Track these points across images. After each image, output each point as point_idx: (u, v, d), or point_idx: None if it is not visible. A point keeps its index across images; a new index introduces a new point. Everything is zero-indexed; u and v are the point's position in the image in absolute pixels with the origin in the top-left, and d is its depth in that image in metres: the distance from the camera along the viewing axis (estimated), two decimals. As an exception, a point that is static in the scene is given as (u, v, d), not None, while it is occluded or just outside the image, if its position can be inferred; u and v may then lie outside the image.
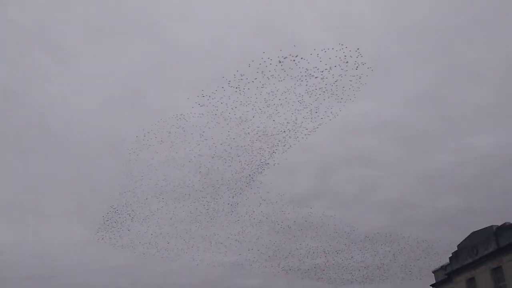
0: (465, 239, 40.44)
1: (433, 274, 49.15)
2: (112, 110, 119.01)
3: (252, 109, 38.78)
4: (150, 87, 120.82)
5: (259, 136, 39.27)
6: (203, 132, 39.72)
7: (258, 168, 40.89)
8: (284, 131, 38.80)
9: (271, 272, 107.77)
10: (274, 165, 40.26)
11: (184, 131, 39.78)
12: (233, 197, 42.04)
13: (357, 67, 32.85)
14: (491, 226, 36.72)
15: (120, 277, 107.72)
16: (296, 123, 38.65)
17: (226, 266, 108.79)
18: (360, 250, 44.61)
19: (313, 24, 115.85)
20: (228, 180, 40.79)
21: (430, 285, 49.69)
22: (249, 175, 40.98)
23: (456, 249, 41.71)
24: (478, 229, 38.74)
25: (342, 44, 33.37)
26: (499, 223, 36.09)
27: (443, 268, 45.81)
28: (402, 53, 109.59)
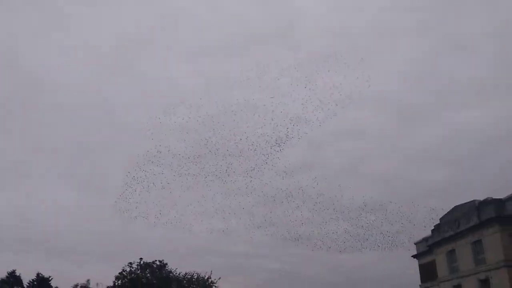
0: (448, 212, 41.38)
1: (415, 246, 50.48)
2: (106, 75, 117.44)
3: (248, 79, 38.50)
4: (144, 53, 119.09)
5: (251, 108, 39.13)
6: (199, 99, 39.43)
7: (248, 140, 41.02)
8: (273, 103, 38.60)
9: (258, 240, 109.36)
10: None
11: (179, 98, 39.53)
12: (226, 168, 42.29)
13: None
14: (474, 200, 37.56)
15: (110, 241, 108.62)
16: (289, 94, 38.51)
17: (214, 233, 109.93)
18: (346, 220, 45.40)
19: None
20: (218, 149, 40.89)
21: (412, 256, 51.09)
22: (240, 146, 41.13)
23: (439, 222, 42.71)
24: (461, 203, 39.64)
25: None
26: (483, 198, 36.91)
27: (425, 240, 47.02)
28: (395, 25, 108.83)
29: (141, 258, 54.55)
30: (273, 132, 41.22)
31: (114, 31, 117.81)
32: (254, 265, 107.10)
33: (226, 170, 42.17)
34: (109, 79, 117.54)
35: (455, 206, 40.40)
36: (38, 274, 62.83)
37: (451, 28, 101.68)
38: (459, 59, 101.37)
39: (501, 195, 35.97)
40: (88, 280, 66.20)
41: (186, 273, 55.50)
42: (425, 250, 46.75)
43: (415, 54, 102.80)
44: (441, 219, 42.38)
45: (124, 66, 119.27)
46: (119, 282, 53.49)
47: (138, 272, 53.79)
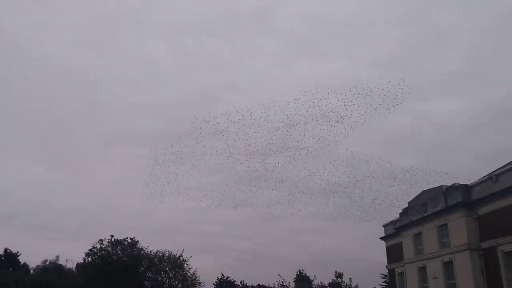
0: (416, 197, 42.48)
1: (383, 228, 51.79)
2: (83, 49, 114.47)
3: (227, 60, 38.14)
4: (123, 28, 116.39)
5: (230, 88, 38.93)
6: (177, 78, 38.89)
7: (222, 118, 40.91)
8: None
9: (230, 219, 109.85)
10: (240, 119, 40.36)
11: (156, 76, 38.92)
12: (200, 148, 42.11)
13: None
14: (441, 186, 38.63)
15: (83, 217, 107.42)
16: (266, 76, 38.41)
17: (187, 212, 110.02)
18: (316, 202, 46.12)
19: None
20: (194, 128, 40.67)
21: (379, 238, 52.45)
22: (215, 125, 40.98)
23: (407, 205, 43.83)
24: (429, 188, 40.72)
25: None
26: (450, 183, 37.99)
27: (392, 223, 48.27)
28: (375, 15, 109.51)
29: (112, 236, 54.38)
30: (250, 114, 41.26)
31: (93, 5, 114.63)
32: (225, 245, 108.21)
33: (199, 151, 42.04)
34: (86, 53, 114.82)
35: (423, 191, 41.49)
36: (5, 250, 61.92)
37: (429, 21, 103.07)
38: (434, 51, 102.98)
39: (467, 181, 37.15)
40: (57, 257, 65.72)
41: (157, 251, 55.70)
42: (393, 233, 48.04)
43: (393, 45, 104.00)
44: (409, 203, 43.49)
45: (101, 41, 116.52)
46: (89, 259, 53.27)
47: (109, 249, 53.62)
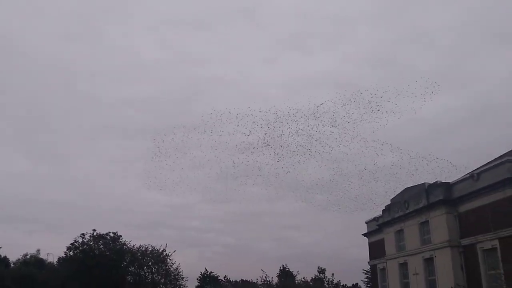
0: (398, 194, 42.91)
1: (366, 225, 52.27)
2: (67, 41, 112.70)
3: (213, 55, 37.91)
4: (108, 21, 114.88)
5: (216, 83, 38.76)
6: (163, 72, 38.58)
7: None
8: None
9: (214, 214, 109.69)
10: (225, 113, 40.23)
11: (138, 69, 38.53)
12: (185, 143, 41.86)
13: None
14: (424, 183, 39.05)
15: (65, 210, 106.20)
16: (252, 72, 38.35)
17: (171, 207, 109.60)
18: (299, 198, 46.32)
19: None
20: (179, 121, 40.38)
21: (362, 234, 52.94)
22: (200, 119, 40.76)
23: (390, 202, 44.25)
24: (412, 185, 41.15)
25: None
26: (432, 181, 38.43)
27: (375, 219, 48.72)
28: (359, 12, 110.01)
29: (94, 230, 53.88)
30: (236, 108, 41.15)
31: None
32: (208, 239, 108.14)
33: (184, 146, 41.84)
34: (70, 45, 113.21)
35: (405, 188, 41.91)
36: (-15, 243, 60.92)
37: (414, 20, 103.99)
38: (417, 49, 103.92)
39: (449, 179, 37.63)
40: (38, 250, 64.91)
41: (140, 246, 55.34)
42: (375, 229, 48.52)
43: (378, 42, 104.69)
44: (392, 200, 43.92)
45: (86, 33, 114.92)
46: (71, 253, 52.73)
47: (91, 243, 53.13)
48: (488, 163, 35.43)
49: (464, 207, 34.81)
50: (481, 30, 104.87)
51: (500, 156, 35.60)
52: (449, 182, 36.88)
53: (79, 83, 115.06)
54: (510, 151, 36.85)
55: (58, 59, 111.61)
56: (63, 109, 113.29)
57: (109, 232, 54.39)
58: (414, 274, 39.10)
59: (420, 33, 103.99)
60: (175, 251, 55.53)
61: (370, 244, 51.57)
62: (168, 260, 54.49)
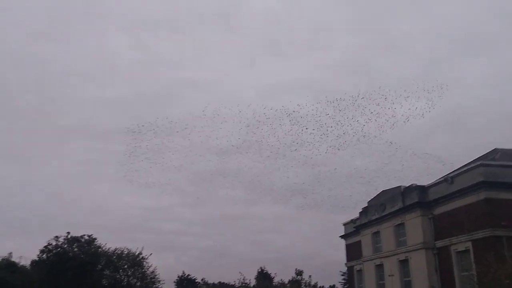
0: (375, 196, 43.44)
1: (343, 227, 52.75)
2: (38, 40, 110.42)
3: (188, 58, 37.77)
4: (81, 20, 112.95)
5: (191, 86, 38.51)
6: (138, 75, 38.15)
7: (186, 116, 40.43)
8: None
9: (191, 217, 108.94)
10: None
11: (112, 70, 38.03)
12: (160, 146, 41.46)
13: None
14: (399, 186, 39.63)
15: (38, 213, 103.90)
16: (228, 76, 38.33)
17: (147, 209, 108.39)
18: (277, 201, 46.49)
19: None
20: (154, 127, 40.04)
21: (339, 236, 53.40)
22: (175, 122, 40.47)
23: (367, 205, 44.75)
24: (388, 188, 41.71)
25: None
26: (407, 184, 39.03)
27: (352, 221, 49.21)
28: (337, 19, 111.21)
29: (68, 232, 52.86)
30: (211, 113, 41.04)
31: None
32: (186, 243, 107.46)
33: (160, 149, 41.46)
34: (41, 44, 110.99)
35: (382, 191, 42.46)
36: (-46, 246, 59.16)
37: (388, 27, 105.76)
38: (391, 56, 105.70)
39: (424, 182, 38.27)
40: (10, 253, 63.19)
41: (116, 249, 54.54)
42: (352, 231, 48.99)
43: (353, 48, 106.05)
44: (369, 202, 44.43)
45: (58, 32, 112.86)
46: (44, 256, 51.61)
47: (65, 246, 52.11)
48: (462, 167, 36.19)
49: (438, 210, 35.45)
50: (451, 38, 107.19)
51: (474, 160, 36.41)
52: (424, 185, 37.52)
53: (49, 82, 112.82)
54: (482, 155, 37.71)
55: (28, 57, 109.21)
56: (34, 109, 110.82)
57: (84, 235, 53.44)
58: (389, 276, 39.61)
59: (393, 41, 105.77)
60: (151, 254, 54.93)
61: (347, 246, 52.04)
62: (144, 263, 53.87)
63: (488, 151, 38.00)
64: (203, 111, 40.99)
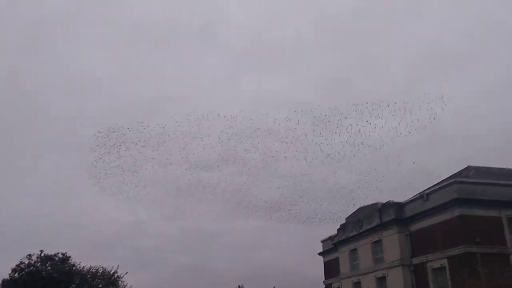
0: (353, 213, 43.61)
1: (321, 244, 52.70)
2: (17, 54, 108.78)
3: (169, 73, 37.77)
4: (62, 36, 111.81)
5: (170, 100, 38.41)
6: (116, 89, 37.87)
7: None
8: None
9: (170, 233, 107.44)
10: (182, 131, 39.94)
11: (91, 84, 37.68)
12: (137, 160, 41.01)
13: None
14: (377, 203, 39.92)
15: (11, 229, 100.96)
16: (209, 90, 38.38)
17: (124, 225, 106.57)
18: (256, 217, 46.25)
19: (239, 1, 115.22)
20: (132, 141, 39.65)
21: (318, 253, 53.30)
22: (157, 135, 40.16)
23: (344, 221, 44.85)
24: (366, 204, 41.95)
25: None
26: (384, 201, 39.35)
27: (330, 238, 49.20)
28: (315, 37, 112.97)
29: (41, 250, 51.47)
30: (191, 126, 40.87)
31: (28, 9, 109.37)
32: (164, 259, 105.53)
33: (137, 161, 40.99)
34: (19, 59, 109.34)
35: (360, 207, 42.69)
36: None
37: (367, 48, 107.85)
38: (369, 76, 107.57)
39: (401, 199, 38.63)
40: (-21, 272, 61.15)
41: (90, 267, 53.27)
42: (330, 248, 48.96)
43: (334, 67, 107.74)
44: (346, 218, 44.56)
45: (36, 47, 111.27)
46: (16, 275, 50.11)
47: (38, 265, 50.73)
48: (437, 184, 36.70)
49: (415, 227, 35.78)
50: (427, 58, 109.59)
51: (447, 178, 36.98)
52: (400, 202, 37.87)
53: (27, 96, 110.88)
54: (457, 172, 38.37)
55: (5, 73, 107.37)
56: (9, 123, 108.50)
57: (58, 253, 52.06)
58: (367, 293, 39.61)
59: (372, 58, 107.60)
60: (127, 272, 53.76)
61: (325, 263, 51.92)
62: (119, 282, 52.71)
63: (461, 169, 38.66)
64: (184, 124, 40.61)
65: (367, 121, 40.71)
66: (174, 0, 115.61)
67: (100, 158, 40.42)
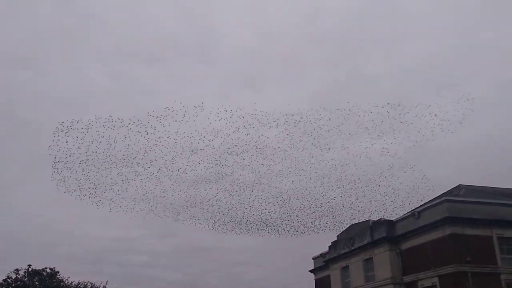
0: (344, 230, 43.54)
1: (313, 261, 52.44)
2: (10, 67, 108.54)
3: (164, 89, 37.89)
4: (56, 50, 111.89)
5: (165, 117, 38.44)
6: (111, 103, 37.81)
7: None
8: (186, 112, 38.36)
9: (159, 250, 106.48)
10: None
11: (86, 98, 37.62)
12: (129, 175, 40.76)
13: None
14: (368, 220, 39.91)
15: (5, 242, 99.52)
16: (203, 106, 38.50)
17: (113, 241, 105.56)
18: (247, 234, 46.02)
19: (232, 20, 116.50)
20: (124, 156, 39.47)
21: (309, 270, 52.99)
22: (148, 151, 40.01)
23: (336, 239, 44.75)
24: (357, 222, 41.94)
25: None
26: (376, 218, 39.37)
27: (322, 255, 49.00)
28: (312, 55, 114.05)
29: (29, 265, 50.93)
30: (184, 143, 40.81)
31: (25, 22, 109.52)
32: (153, 276, 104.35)
33: (128, 176, 40.74)
34: (15, 71, 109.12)
35: (351, 225, 42.63)
36: None
37: (359, 65, 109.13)
38: (361, 93, 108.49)
39: (392, 217, 38.72)
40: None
41: (79, 282, 52.72)
42: (322, 265, 48.71)
43: (327, 84, 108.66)
44: (338, 236, 44.45)
45: (32, 59, 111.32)
46: (3, 290, 49.40)
47: (26, 280, 50.07)
48: (428, 202, 36.82)
49: (406, 245, 35.74)
50: (420, 76, 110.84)
51: (438, 196, 37.13)
52: (392, 220, 37.91)
53: (20, 109, 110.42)
54: (447, 191, 38.54)
55: (2, 82, 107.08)
56: (4, 136, 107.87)
57: (46, 268, 51.60)
58: (358, 312, 39.34)
59: (364, 77, 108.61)
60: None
61: (316, 281, 51.59)
62: (108, 298, 52.14)
63: (452, 187, 38.86)
64: (174, 139, 40.56)
65: (361, 138, 40.94)
66: (170, 18, 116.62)
67: (89, 172, 40.11)
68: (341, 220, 44.31)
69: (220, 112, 39.49)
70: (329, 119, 40.03)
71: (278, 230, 45.01)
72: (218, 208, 44.75)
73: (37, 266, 51.41)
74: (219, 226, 45.89)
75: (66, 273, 54.60)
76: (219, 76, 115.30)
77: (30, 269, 50.62)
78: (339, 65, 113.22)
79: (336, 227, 45.30)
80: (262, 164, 43.08)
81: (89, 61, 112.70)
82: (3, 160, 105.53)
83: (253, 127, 40.73)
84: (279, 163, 43.64)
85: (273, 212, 45.37)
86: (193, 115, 38.47)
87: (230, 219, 45.25)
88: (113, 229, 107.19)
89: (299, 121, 40.78)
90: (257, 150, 41.63)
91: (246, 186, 43.93)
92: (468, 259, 30.41)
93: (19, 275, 50.07)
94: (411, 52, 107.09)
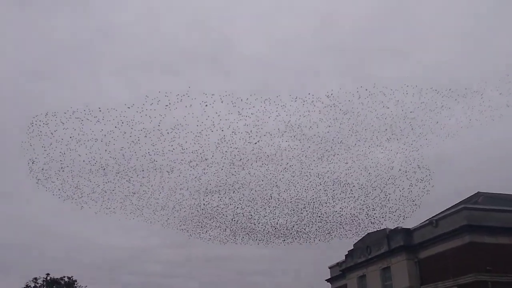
0: (361, 239, 43.19)
1: (329, 270, 52.07)
2: (30, 80, 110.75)
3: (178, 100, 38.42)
4: (74, 62, 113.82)
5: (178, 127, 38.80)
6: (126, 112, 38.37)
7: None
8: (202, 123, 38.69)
9: (175, 259, 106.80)
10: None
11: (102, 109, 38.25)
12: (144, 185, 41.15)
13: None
14: (385, 229, 39.55)
15: (18, 253, 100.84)
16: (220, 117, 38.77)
17: (130, 250, 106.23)
18: (262, 243, 45.85)
19: (243, 30, 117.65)
20: (142, 165, 39.88)
21: (325, 280, 52.61)
22: (164, 163, 40.39)
23: (352, 247, 44.42)
24: (373, 231, 41.58)
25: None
26: (393, 227, 39.00)
27: (338, 264, 48.64)
28: (319, 64, 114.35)
29: (47, 274, 51.45)
30: (198, 153, 41.10)
31: (42, 36, 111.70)
32: (170, 285, 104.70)
33: (141, 186, 41.14)
34: (33, 84, 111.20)
35: (367, 233, 42.27)
36: None
37: (369, 74, 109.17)
38: (371, 102, 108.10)
39: (409, 225, 38.30)
40: (-15, 296, 61.12)
41: (96, 291, 53.04)
42: (338, 274, 48.33)
43: (336, 93, 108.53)
44: (354, 244, 44.12)
45: (51, 72, 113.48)
46: (21, 299, 50.00)
47: (44, 288, 50.61)
48: (446, 210, 36.39)
49: (424, 253, 35.30)
50: (433, 85, 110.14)
51: (456, 204, 36.67)
52: (409, 228, 37.50)
53: (41, 121, 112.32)
54: (465, 199, 38.05)
55: (20, 95, 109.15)
56: (22, 147, 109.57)
57: (64, 277, 52.06)
58: (376, 321, 38.90)
59: (376, 86, 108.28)
60: (133, 297, 53.50)
61: (333, 290, 51.21)
62: (125, 307, 52.35)
63: (471, 195, 38.36)
64: (188, 149, 40.87)
65: (375, 146, 40.73)
66: (184, 31, 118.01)
67: (107, 182, 40.62)
68: (355, 229, 43.92)
69: (234, 121, 39.56)
70: (340, 125, 39.84)
71: (296, 239, 44.81)
72: (233, 217, 44.78)
73: (56, 275, 51.91)
74: (234, 235, 45.88)
75: (84, 282, 54.84)
76: (232, 86, 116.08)
77: (48, 278, 51.14)
78: (351, 73, 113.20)
79: (352, 236, 44.94)
80: (275, 174, 43.08)
81: (106, 73, 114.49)
82: (16, 170, 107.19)
83: (266, 135, 40.75)
84: (292, 172, 43.58)
85: (288, 222, 45.24)
86: (208, 128, 38.60)
87: (245, 228, 45.25)
88: (131, 239, 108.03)
89: (313, 130, 40.64)
90: (271, 158, 41.67)
91: (262, 195, 43.95)
92: (487, 268, 29.93)
93: (37, 284, 50.61)
94: (424, 59, 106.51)
